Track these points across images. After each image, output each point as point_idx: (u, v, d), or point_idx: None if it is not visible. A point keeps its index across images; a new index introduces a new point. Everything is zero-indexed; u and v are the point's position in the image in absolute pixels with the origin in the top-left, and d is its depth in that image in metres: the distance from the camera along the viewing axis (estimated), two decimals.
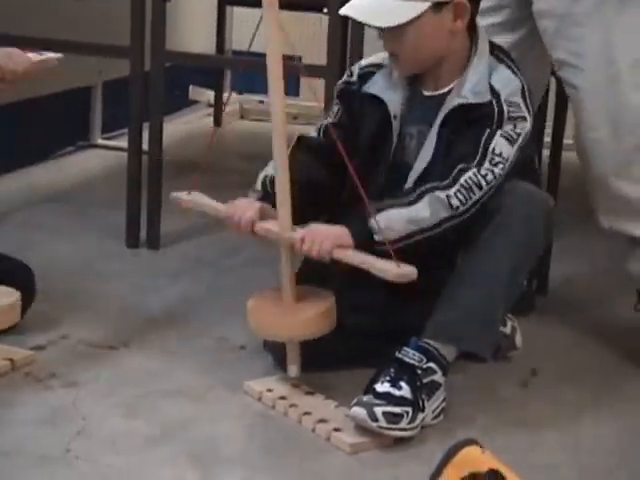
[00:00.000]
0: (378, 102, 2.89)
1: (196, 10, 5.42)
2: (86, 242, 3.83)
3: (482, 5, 2.98)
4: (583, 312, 3.53)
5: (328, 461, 2.52)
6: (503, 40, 3.05)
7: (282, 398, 2.76)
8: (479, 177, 2.68)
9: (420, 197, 2.66)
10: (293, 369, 2.80)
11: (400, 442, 2.57)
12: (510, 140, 2.72)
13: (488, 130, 2.72)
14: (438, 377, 2.66)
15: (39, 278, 3.05)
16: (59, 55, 2.95)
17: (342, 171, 2.76)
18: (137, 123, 3.84)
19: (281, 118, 2.68)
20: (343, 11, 2.80)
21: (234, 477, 2.44)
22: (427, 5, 2.70)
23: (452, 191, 2.65)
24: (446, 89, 2.81)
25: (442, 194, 2.65)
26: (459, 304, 2.70)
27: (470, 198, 2.67)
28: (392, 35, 2.75)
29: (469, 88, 2.77)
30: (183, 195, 2.94)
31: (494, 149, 2.70)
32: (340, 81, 3.03)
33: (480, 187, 2.67)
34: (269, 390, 2.80)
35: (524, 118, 2.75)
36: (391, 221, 2.63)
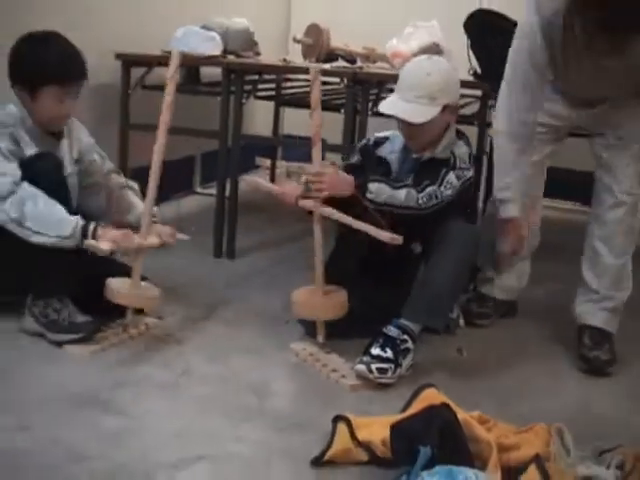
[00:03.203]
0: (385, 161, 2.95)
1: (261, 109, 5.44)
2: (188, 252, 3.65)
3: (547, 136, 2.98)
4: (530, 315, 3.35)
5: (338, 395, 2.54)
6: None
7: (311, 355, 2.77)
8: (437, 191, 2.72)
9: (402, 187, 2.69)
10: (320, 337, 2.82)
11: (385, 386, 2.59)
12: (458, 177, 2.77)
13: (445, 169, 2.77)
14: (410, 345, 2.66)
15: (158, 275, 3.02)
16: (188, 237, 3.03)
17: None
18: (222, 179, 3.83)
19: (319, 135, 2.70)
20: (386, 110, 2.81)
21: (278, 403, 2.45)
22: (438, 109, 2.77)
23: (421, 195, 2.69)
24: (426, 153, 2.86)
25: (415, 193, 2.69)
26: (423, 298, 2.69)
27: (430, 201, 2.69)
28: (414, 127, 2.79)
29: (439, 150, 2.83)
30: (249, 178, 2.94)
31: (448, 179, 2.75)
32: (362, 142, 3.06)
33: (437, 197, 2.71)
34: (304, 349, 2.81)
35: (468, 169, 2.82)
36: (379, 190, 2.66)
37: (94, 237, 2.64)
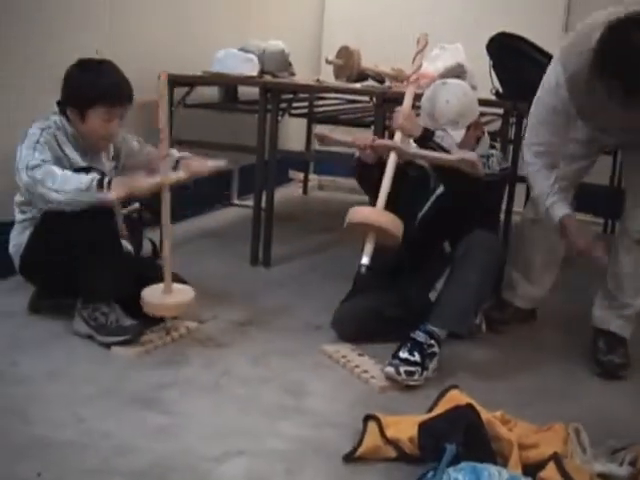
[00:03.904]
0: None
1: (294, 126, 5.49)
2: (226, 260, 3.83)
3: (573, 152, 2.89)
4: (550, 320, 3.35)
5: (368, 395, 2.56)
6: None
7: (343, 357, 2.77)
8: (487, 163, 2.84)
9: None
10: (365, 259, 2.56)
11: (412, 387, 2.61)
12: (499, 162, 2.91)
13: (487, 156, 2.88)
14: (436, 349, 2.68)
15: (198, 282, 3.04)
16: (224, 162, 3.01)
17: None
18: (259, 191, 3.85)
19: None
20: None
21: (313, 402, 2.47)
22: (464, 131, 2.87)
23: None
24: None
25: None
26: (449, 305, 2.72)
27: (483, 167, 2.72)
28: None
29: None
30: (325, 131, 2.94)
31: (492, 160, 2.88)
32: None
33: (488, 167, 2.83)
34: (336, 351, 2.82)
35: (506, 161, 3.00)
36: (444, 138, 2.81)
37: (109, 189, 2.65)
